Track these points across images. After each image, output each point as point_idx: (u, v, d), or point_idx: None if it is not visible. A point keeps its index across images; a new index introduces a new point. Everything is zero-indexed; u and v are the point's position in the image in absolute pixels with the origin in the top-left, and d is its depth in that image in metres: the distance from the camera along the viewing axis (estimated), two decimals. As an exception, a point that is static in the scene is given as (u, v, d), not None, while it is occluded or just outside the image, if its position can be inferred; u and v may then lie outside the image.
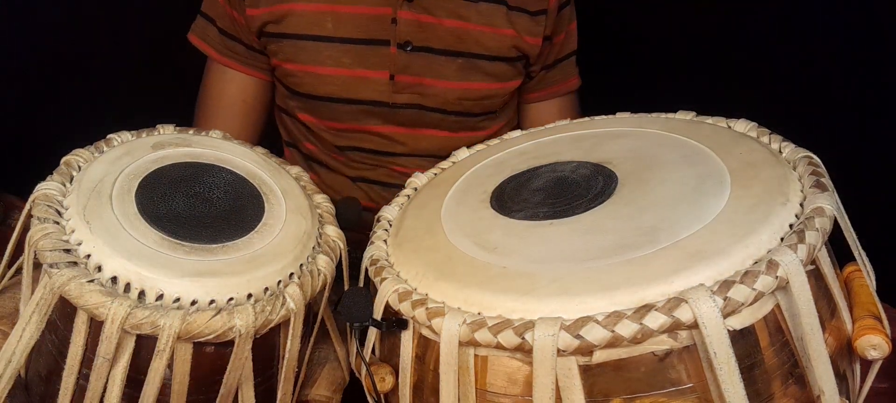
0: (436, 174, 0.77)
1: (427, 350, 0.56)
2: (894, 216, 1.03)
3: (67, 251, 0.56)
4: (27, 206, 0.61)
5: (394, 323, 0.58)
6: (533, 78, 1.03)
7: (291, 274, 0.62)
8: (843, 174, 0.63)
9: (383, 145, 0.99)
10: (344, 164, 1.02)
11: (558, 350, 0.48)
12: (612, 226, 0.56)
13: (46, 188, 0.61)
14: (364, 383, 0.62)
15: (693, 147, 0.64)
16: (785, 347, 0.50)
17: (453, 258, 0.59)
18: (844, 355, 0.54)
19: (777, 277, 0.47)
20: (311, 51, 0.92)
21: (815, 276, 0.52)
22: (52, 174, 0.63)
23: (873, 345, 0.50)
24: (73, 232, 0.58)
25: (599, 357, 0.48)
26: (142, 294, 0.55)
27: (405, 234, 0.66)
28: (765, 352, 0.49)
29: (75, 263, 0.56)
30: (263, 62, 0.98)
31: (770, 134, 0.64)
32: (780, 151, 0.61)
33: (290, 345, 0.61)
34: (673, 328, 0.47)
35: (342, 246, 0.69)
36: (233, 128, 0.83)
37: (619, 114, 0.76)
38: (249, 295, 0.58)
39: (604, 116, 0.77)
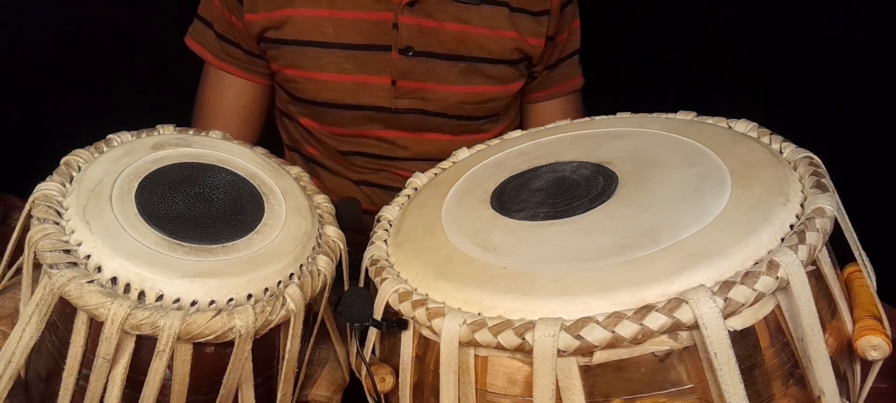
0: (436, 174, 0.77)
1: (427, 350, 0.56)
2: (894, 216, 1.03)
3: (67, 251, 0.56)
4: (27, 207, 0.61)
5: (394, 323, 0.58)
6: (536, 78, 1.03)
7: (291, 274, 0.62)
8: (843, 174, 0.63)
9: (386, 150, 0.99)
10: (346, 168, 1.02)
11: (559, 351, 0.48)
12: (612, 227, 0.56)
13: (46, 188, 0.61)
14: (364, 383, 0.62)
15: (693, 147, 0.64)
16: (785, 348, 0.50)
17: (453, 258, 0.59)
18: (845, 355, 0.54)
19: (777, 278, 0.47)
20: (312, 57, 0.92)
21: (816, 277, 0.52)
22: (51, 174, 0.63)
23: (874, 346, 0.50)
24: (72, 232, 0.58)
25: (600, 357, 0.48)
26: (142, 294, 0.55)
27: (405, 234, 0.66)
28: (765, 353, 0.49)
29: (75, 264, 0.56)
30: (262, 67, 0.98)
31: (770, 134, 0.64)
32: (781, 151, 0.61)
33: (290, 346, 0.61)
34: (673, 328, 0.47)
35: (342, 246, 0.69)
36: (231, 132, 0.84)
37: (619, 114, 0.76)
38: (249, 296, 0.58)
39: (604, 116, 0.77)
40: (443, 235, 0.63)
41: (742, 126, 0.67)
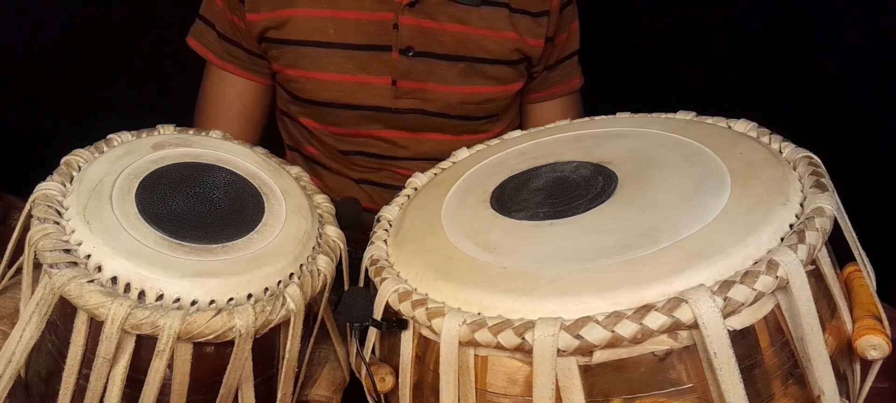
0: (436, 174, 0.77)
1: (427, 350, 0.56)
2: (894, 216, 1.03)
3: (67, 251, 0.56)
4: (27, 206, 0.61)
5: (394, 323, 0.58)
6: (535, 78, 1.03)
7: (291, 274, 0.62)
8: (843, 174, 0.63)
9: (386, 149, 0.99)
10: (347, 167, 1.02)
11: (558, 351, 0.48)
12: (612, 226, 0.56)
13: (46, 188, 0.61)
14: (364, 383, 0.62)
15: (693, 147, 0.64)
16: (785, 347, 0.50)
17: (453, 258, 0.59)
18: (844, 355, 0.54)
19: (777, 277, 0.47)
20: (313, 57, 0.92)
21: (816, 276, 0.52)
22: (52, 174, 0.63)
23: (873, 345, 0.50)
24: (73, 232, 0.58)
25: (599, 357, 0.48)
26: (142, 294, 0.55)
27: (405, 234, 0.66)
28: (765, 352, 0.49)
29: (75, 263, 0.56)
30: (264, 67, 0.98)
31: (770, 134, 0.64)
32: (781, 151, 0.61)
33: (290, 345, 0.61)
34: (673, 328, 0.47)
35: (342, 246, 0.69)
36: (232, 132, 0.84)
37: (619, 114, 0.76)
38: (249, 296, 0.58)
39: (604, 116, 0.77)
40: (443, 235, 0.63)
41: (742, 126, 0.67)
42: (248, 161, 0.72)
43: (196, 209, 0.63)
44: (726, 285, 0.47)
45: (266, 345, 0.61)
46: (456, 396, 0.53)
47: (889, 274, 0.62)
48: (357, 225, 0.74)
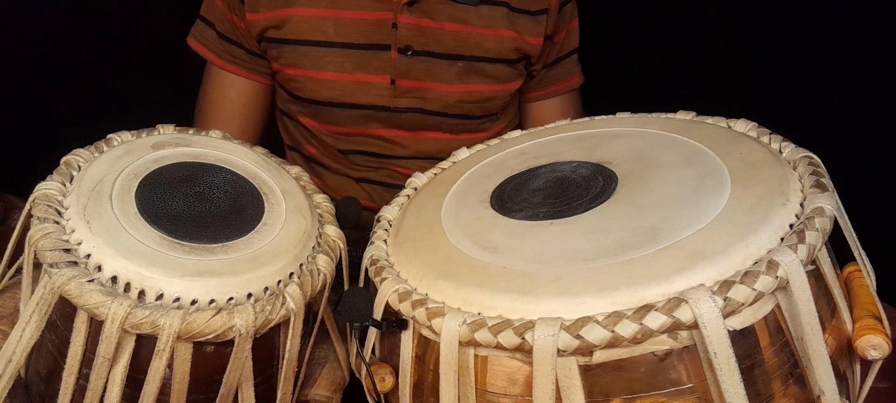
0: (436, 174, 0.77)
1: (427, 350, 0.56)
2: (894, 216, 1.03)
3: (67, 251, 0.56)
4: (27, 206, 0.61)
5: (394, 323, 0.58)
6: (534, 77, 1.03)
7: (291, 273, 0.62)
8: (843, 174, 0.63)
9: (385, 148, 0.99)
10: (346, 167, 1.02)
11: (558, 351, 0.48)
12: (612, 226, 0.56)
13: (46, 188, 0.61)
14: (364, 383, 0.62)
15: (693, 147, 0.64)
16: (785, 347, 0.50)
17: (453, 258, 0.59)
18: (844, 355, 0.54)
19: (777, 277, 0.47)
20: (312, 56, 0.92)
21: (816, 276, 0.52)
22: (52, 174, 0.63)
23: (873, 345, 0.50)
24: (73, 231, 0.58)
25: (599, 357, 0.48)
26: (142, 293, 0.55)
27: (405, 234, 0.66)
28: (765, 352, 0.49)
29: (75, 263, 0.56)
30: (264, 66, 0.98)
31: (770, 134, 0.64)
32: (781, 151, 0.61)
33: (290, 345, 0.61)
34: (673, 328, 0.47)
35: (342, 245, 0.69)
36: (232, 131, 0.84)
37: (619, 114, 0.76)
38: (249, 295, 0.58)
39: (604, 116, 0.77)
40: (442, 235, 0.63)
41: (742, 126, 0.67)
42: (247, 161, 0.72)
43: (196, 208, 0.63)
44: (726, 285, 0.47)
45: (266, 345, 0.61)
46: (456, 396, 0.53)
47: (889, 274, 0.62)
48: (357, 225, 0.74)
